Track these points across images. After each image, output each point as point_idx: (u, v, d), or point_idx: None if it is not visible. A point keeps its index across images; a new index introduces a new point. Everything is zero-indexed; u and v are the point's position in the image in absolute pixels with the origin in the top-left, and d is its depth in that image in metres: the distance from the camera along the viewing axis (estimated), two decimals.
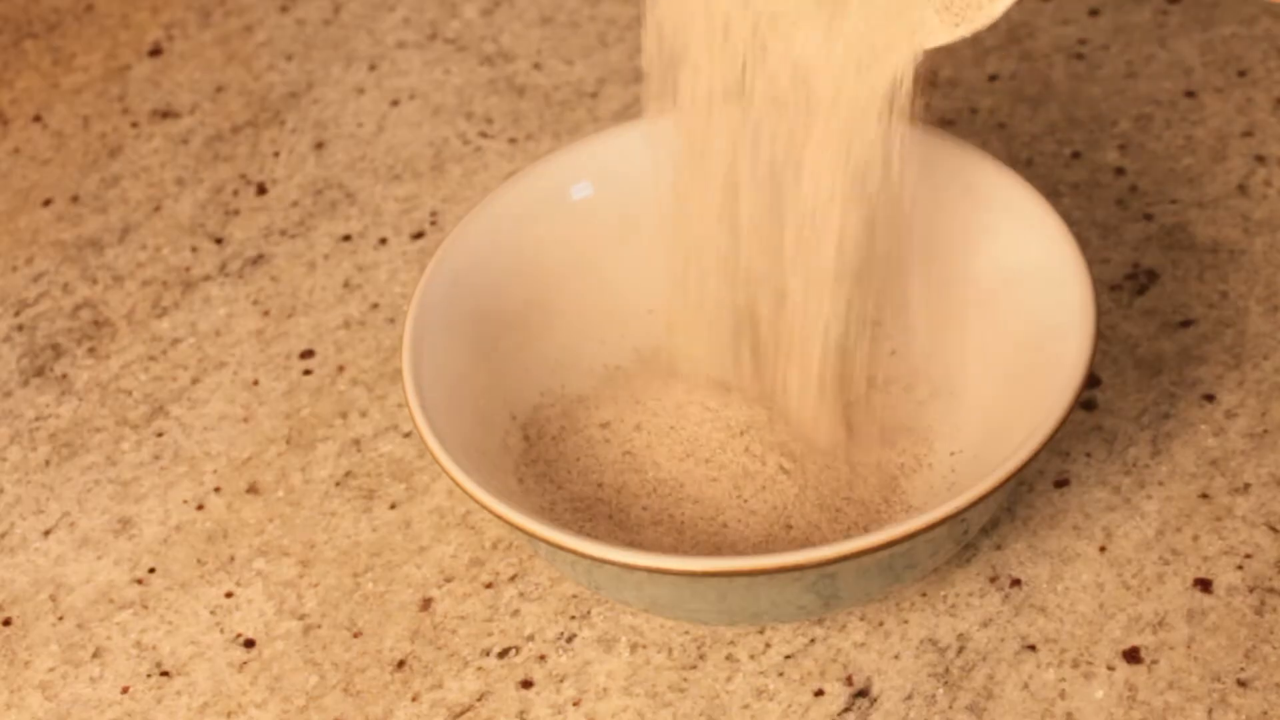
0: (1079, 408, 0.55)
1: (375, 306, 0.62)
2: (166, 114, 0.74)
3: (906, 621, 0.50)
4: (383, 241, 0.65)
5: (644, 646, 0.50)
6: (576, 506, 0.51)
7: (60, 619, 0.53)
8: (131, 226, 0.68)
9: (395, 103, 0.72)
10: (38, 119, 0.74)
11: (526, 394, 0.54)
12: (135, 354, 0.62)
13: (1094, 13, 0.71)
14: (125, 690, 0.51)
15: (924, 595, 0.50)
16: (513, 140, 0.69)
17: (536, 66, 0.73)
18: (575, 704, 0.49)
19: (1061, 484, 0.53)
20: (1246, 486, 0.52)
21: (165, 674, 0.51)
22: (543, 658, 0.50)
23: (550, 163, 0.56)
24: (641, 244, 0.56)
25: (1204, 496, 0.52)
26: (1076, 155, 0.64)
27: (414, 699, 0.49)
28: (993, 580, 0.50)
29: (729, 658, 0.49)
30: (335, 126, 0.71)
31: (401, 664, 0.50)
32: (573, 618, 0.51)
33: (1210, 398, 0.55)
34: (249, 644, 0.52)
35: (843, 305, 0.50)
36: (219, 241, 0.66)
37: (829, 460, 0.51)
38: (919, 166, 0.55)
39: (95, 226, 0.68)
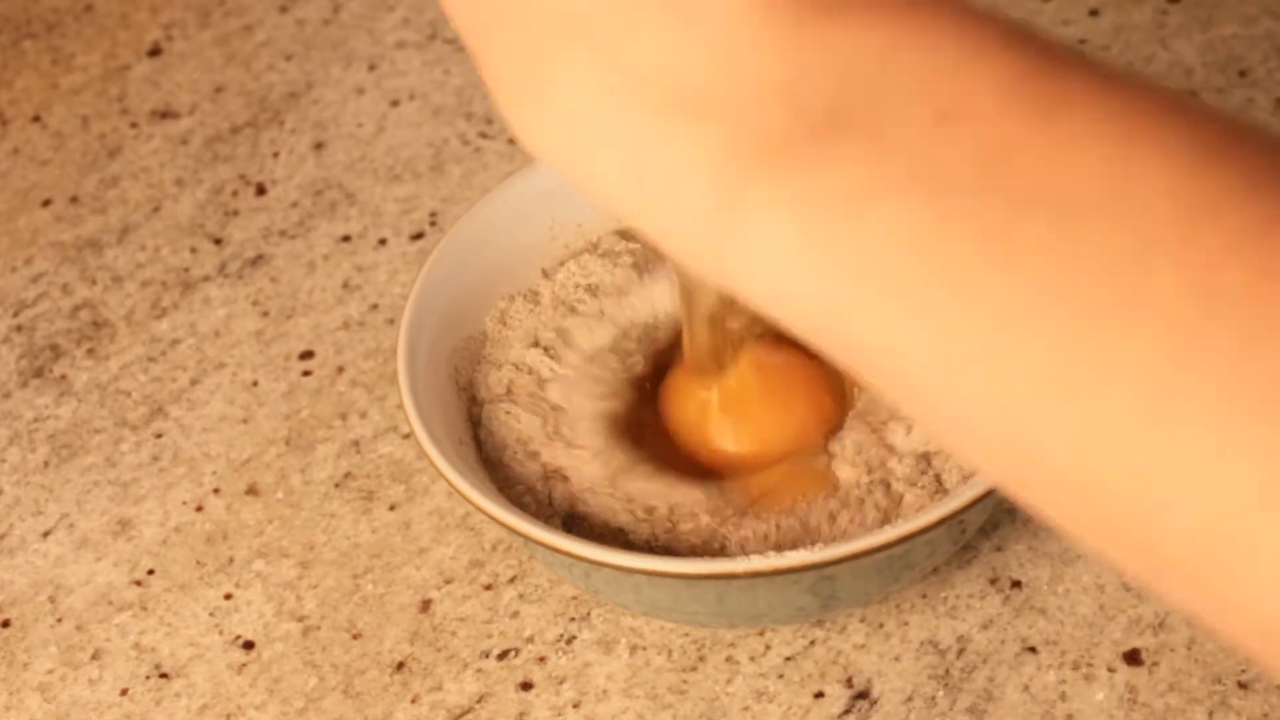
0: None
1: (375, 307, 0.62)
2: (166, 114, 0.73)
3: (906, 623, 0.50)
4: (382, 242, 0.65)
5: (644, 648, 0.50)
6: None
7: (59, 620, 0.53)
8: (131, 227, 0.68)
9: (395, 103, 0.72)
10: (37, 119, 0.74)
11: None
12: (134, 355, 0.62)
13: (1094, 13, 0.71)
14: (124, 692, 0.51)
15: (924, 597, 0.50)
16: (512, 140, 0.69)
17: None
18: (575, 706, 0.49)
19: None
20: None
21: (164, 676, 0.51)
22: (542, 659, 0.50)
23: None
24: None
25: None
26: None
27: (414, 701, 0.49)
28: (993, 582, 0.50)
29: (729, 660, 0.49)
30: (335, 127, 0.71)
31: (401, 666, 0.50)
32: (572, 619, 0.51)
33: None
34: (248, 646, 0.52)
35: None
36: (218, 242, 0.66)
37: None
38: None
39: (94, 227, 0.68)
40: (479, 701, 0.49)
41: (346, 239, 0.66)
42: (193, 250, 0.66)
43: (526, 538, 0.45)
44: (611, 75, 0.27)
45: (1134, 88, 0.25)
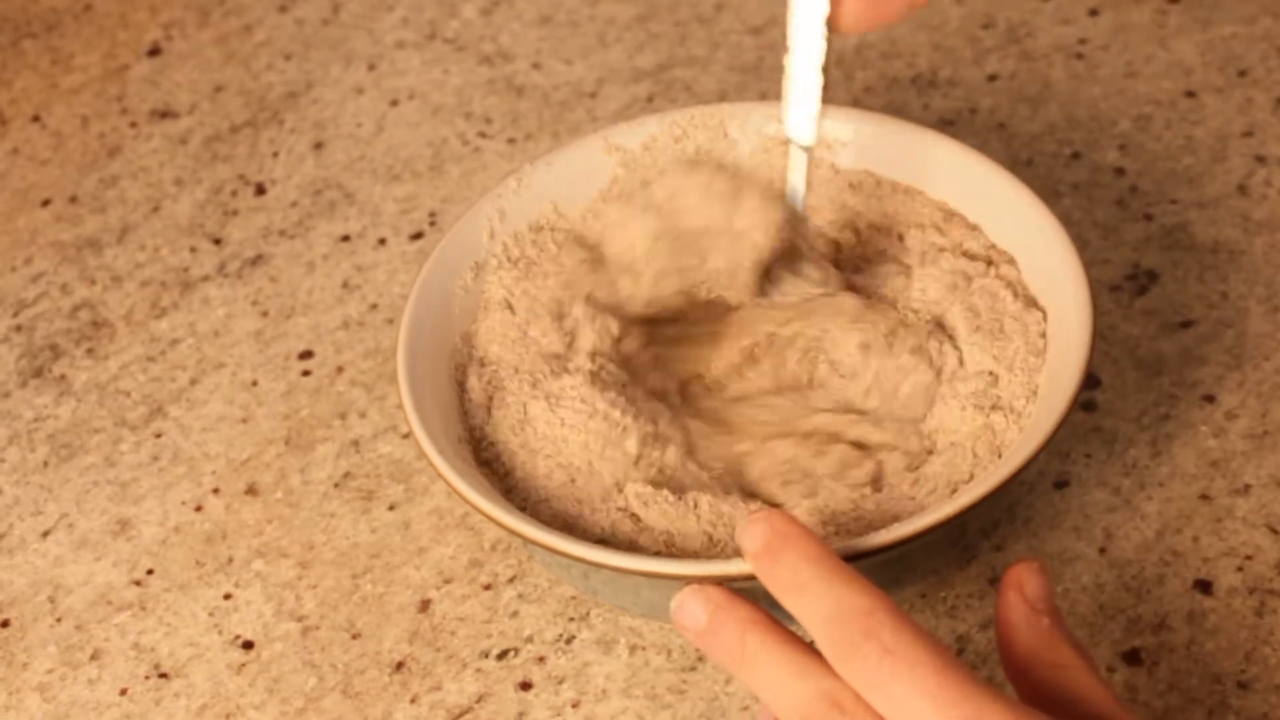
0: (1079, 408, 0.54)
1: (374, 307, 0.62)
2: (165, 114, 0.73)
3: None
4: (382, 242, 0.65)
5: (643, 648, 0.50)
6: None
7: (59, 620, 0.53)
8: (130, 227, 0.68)
9: (394, 103, 0.72)
10: (36, 119, 0.74)
11: None
12: (134, 355, 0.62)
13: (1094, 13, 0.71)
14: (124, 692, 0.51)
15: (924, 597, 0.50)
16: (511, 140, 0.69)
17: (535, 66, 0.73)
18: (574, 706, 0.49)
19: (1061, 485, 0.53)
20: (1247, 488, 0.52)
21: (164, 676, 0.51)
22: (542, 659, 0.50)
23: (545, 163, 0.56)
24: None
25: (1204, 498, 0.52)
26: (1076, 155, 0.64)
27: (413, 700, 0.49)
28: (992, 582, 0.50)
29: None
30: (334, 126, 0.71)
31: (400, 665, 0.50)
32: (571, 619, 0.51)
33: (1210, 399, 0.54)
34: (248, 645, 0.52)
35: None
36: (218, 242, 0.66)
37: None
38: (914, 167, 0.55)
39: (94, 227, 0.68)
40: (478, 701, 0.49)
41: (346, 239, 0.66)
42: (192, 250, 0.66)
43: (525, 538, 0.45)
44: None
45: None
